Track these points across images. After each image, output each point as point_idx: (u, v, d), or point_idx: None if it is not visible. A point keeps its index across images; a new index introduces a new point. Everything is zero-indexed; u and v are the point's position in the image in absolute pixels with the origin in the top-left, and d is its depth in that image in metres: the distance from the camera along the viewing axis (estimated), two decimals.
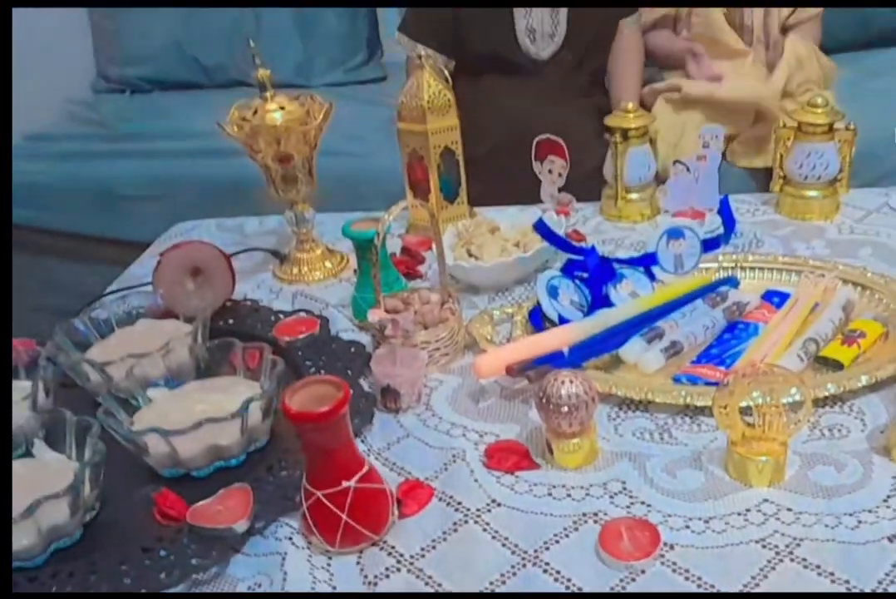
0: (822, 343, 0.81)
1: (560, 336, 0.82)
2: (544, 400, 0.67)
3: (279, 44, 2.15)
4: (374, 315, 0.80)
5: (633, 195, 1.15)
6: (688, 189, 1.12)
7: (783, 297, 0.90)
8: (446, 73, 1.12)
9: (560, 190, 1.16)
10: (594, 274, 0.89)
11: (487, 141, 1.49)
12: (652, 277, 0.95)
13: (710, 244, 1.01)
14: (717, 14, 1.58)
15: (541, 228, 0.99)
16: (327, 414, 0.57)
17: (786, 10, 1.60)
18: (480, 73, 1.61)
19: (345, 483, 0.60)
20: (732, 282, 0.94)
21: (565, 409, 0.66)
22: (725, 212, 1.11)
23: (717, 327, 0.86)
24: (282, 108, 0.98)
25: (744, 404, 0.65)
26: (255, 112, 0.97)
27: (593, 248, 0.94)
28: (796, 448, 0.69)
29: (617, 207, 1.15)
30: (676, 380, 0.79)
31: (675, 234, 0.94)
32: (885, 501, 0.63)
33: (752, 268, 0.96)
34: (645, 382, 0.79)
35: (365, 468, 0.61)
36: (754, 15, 1.58)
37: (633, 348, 0.82)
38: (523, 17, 1.55)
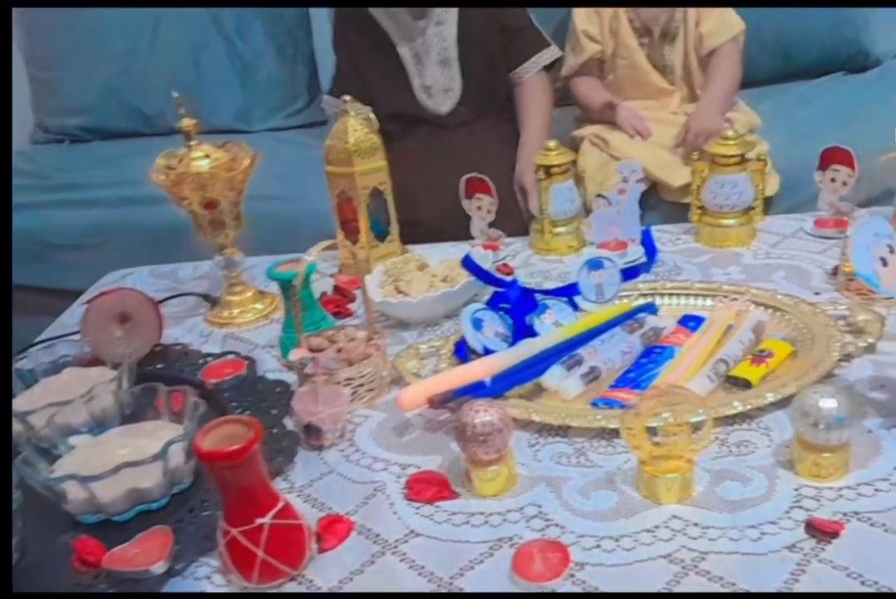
0: (733, 364, 0.85)
1: (482, 367, 0.86)
2: (460, 430, 0.70)
3: (219, 91, 2.20)
4: (295, 354, 0.83)
5: (560, 229, 1.20)
6: (611, 222, 1.17)
7: (699, 321, 0.95)
8: (372, 117, 1.18)
9: (490, 225, 1.22)
10: (516, 305, 0.93)
11: (419, 202, 1.53)
12: (575, 306, 0.99)
13: (630, 273, 1.06)
14: (640, 56, 1.66)
15: (467, 263, 1.03)
16: (237, 453, 0.59)
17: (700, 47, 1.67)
18: (400, 133, 1.68)
19: (259, 520, 0.62)
20: (651, 309, 0.99)
21: (481, 437, 0.69)
22: (647, 242, 1.16)
23: (634, 352, 0.90)
24: (207, 155, 1.02)
25: (650, 424, 0.69)
26: (181, 160, 1.01)
27: (515, 281, 0.98)
28: (705, 465, 0.72)
29: (545, 240, 1.20)
30: (594, 405, 0.83)
31: (595, 265, 0.99)
32: (787, 512, 0.66)
33: (670, 294, 1.01)
34: (564, 408, 0.82)
35: (280, 505, 0.63)
36: (675, 55, 1.67)
37: (553, 376, 0.85)
38: (417, 76, 1.64)
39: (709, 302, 0.99)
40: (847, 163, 1.13)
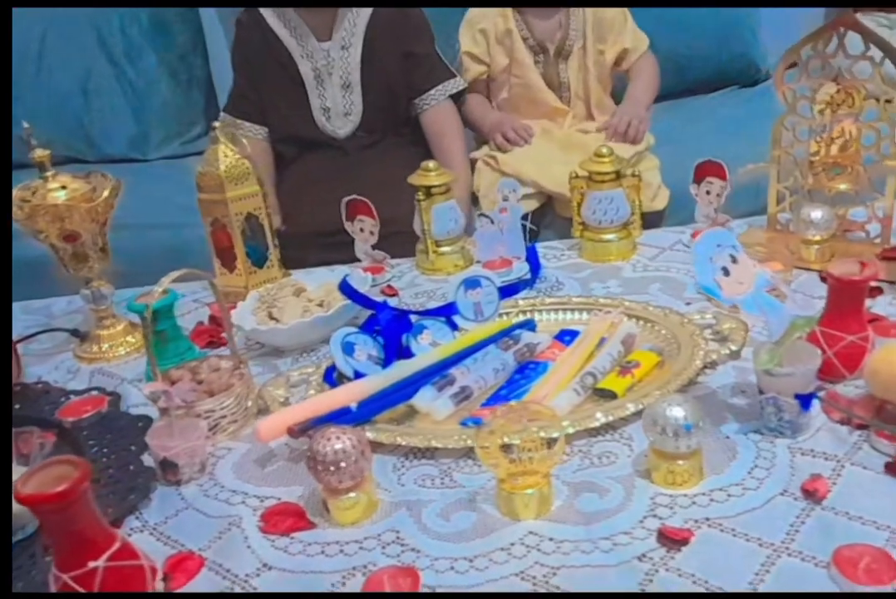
0: (600, 376, 0.87)
1: (348, 392, 0.86)
2: (311, 458, 0.70)
3: (111, 118, 2.18)
4: (147, 388, 0.82)
5: (445, 248, 1.21)
6: (495, 240, 1.19)
7: (574, 335, 0.97)
8: (245, 141, 1.18)
9: (374, 247, 1.23)
10: (386, 327, 0.94)
11: (308, 218, 1.57)
12: (454, 326, 1.00)
13: (510, 290, 1.08)
14: (535, 74, 1.71)
15: (343, 286, 1.04)
16: (61, 495, 0.58)
17: (604, 67, 1.74)
18: (297, 155, 1.71)
19: (92, 564, 0.60)
20: (530, 325, 1.01)
21: (333, 467, 0.69)
22: (532, 259, 1.19)
23: (507, 370, 0.91)
24: (63, 186, 1.00)
25: (504, 442, 0.70)
26: (34, 192, 0.99)
27: (385, 302, 0.99)
28: (566, 478, 0.74)
29: (430, 260, 1.21)
30: (464, 424, 0.84)
31: (471, 283, 1.01)
32: (640, 521, 0.68)
33: (548, 310, 1.04)
34: (432, 429, 0.83)
35: (116, 546, 0.62)
36: (570, 72, 1.72)
37: (423, 397, 0.86)
38: (317, 97, 1.66)
39: (585, 316, 1.02)
40: (720, 175, 1.17)
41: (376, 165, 1.69)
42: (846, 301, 0.82)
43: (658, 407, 0.70)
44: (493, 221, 1.18)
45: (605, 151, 1.16)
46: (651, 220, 1.48)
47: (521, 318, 1.02)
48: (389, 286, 1.16)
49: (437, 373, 0.89)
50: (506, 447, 0.70)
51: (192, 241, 1.77)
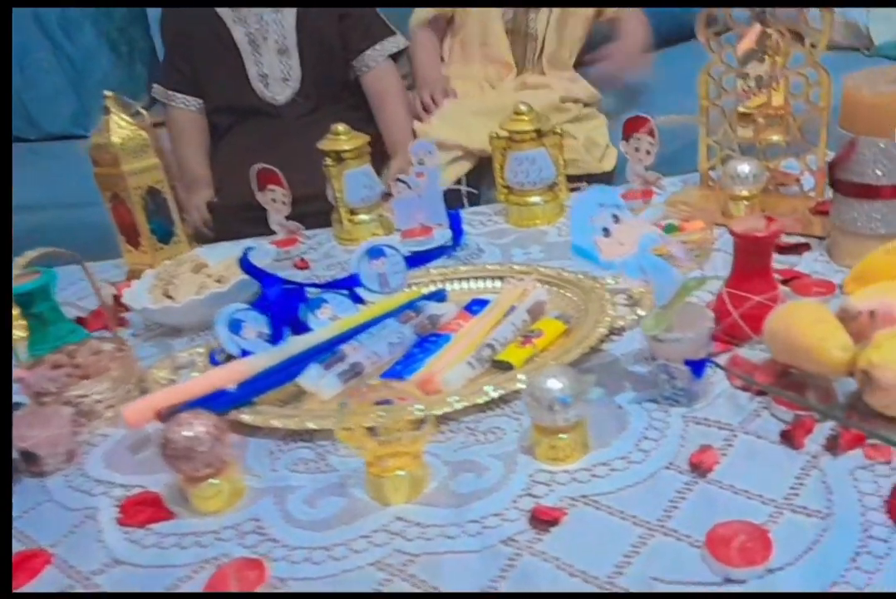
0: (500, 347, 0.83)
1: (229, 373, 0.81)
2: (164, 447, 0.66)
3: (51, 95, 2.12)
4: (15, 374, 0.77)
5: (362, 216, 1.16)
6: (413, 206, 1.14)
7: (484, 305, 0.93)
8: (144, 113, 1.12)
9: (287, 218, 1.18)
10: (274, 303, 0.89)
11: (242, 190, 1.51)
12: (358, 299, 0.96)
13: (424, 259, 1.04)
14: (498, 24, 1.65)
15: (242, 260, 0.99)
16: None
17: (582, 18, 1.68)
18: (232, 124, 1.65)
19: None
20: (440, 296, 0.96)
21: (185, 454, 0.65)
22: (455, 225, 1.14)
23: (405, 343, 0.87)
24: None
25: (368, 424, 0.65)
26: None
27: (273, 276, 0.94)
28: (447, 457, 0.70)
29: (345, 229, 1.16)
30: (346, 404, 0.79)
31: (374, 253, 0.96)
32: (514, 502, 0.63)
33: (461, 279, 0.99)
34: (318, 410, 0.79)
35: None
36: (539, 24, 1.65)
37: (310, 376, 0.81)
38: (254, 64, 1.60)
39: (499, 284, 0.97)
40: (648, 131, 1.12)
41: (314, 132, 1.63)
42: (751, 259, 0.77)
43: (536, 380, 0.66)
44: (410, 187, 1.13)
45: (523, 108, 1.10)
46: (600, 181, 1.43)
47: (433, 288, 0.98)
48: (302, 259, 1.12)
49: (329, 350, 0.85)
50: (372, 429, 0.65)
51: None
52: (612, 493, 0.63)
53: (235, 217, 1.48)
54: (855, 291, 0.73)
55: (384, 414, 0.64)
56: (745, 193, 1.03)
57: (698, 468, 0.64)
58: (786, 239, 0.97)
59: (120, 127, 1.07)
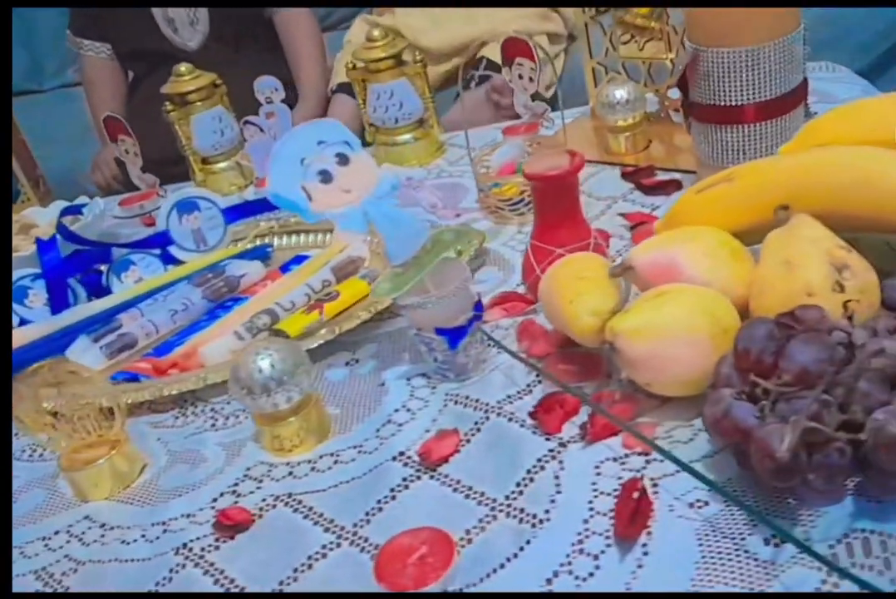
0: (284, 314, 0.73)
1: None
2: None
3: None
4: None
5: (220, 165, 1.07)
6: (269, 151, 1.03)
7: (302, 262, 0.83)
8: None
9: (143, 171, 1.09)
10: (48, 268, 0.81)
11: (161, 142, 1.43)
12: (170, 259, 0.87)
13: (246, 210, 0.93)
14: None
15: (60, 226, 0.91)
16: None
17: None
18: (147, 72, 1.55)
19: None
20: (261, 252, 0.86)
21: None
22: None
23: (192, 311, 0.77)
24: None
25: (49, 408, 0.57)
26: None
27: (51, 239, 0.85)
28: (174, 446, 0.61)
29: (197, 181, 1.07)
30: (114, 379, 0.71)
31: (185, 207, 0.86)
32: (214, 501, 0.54)
33: (290, 232, 0.89)
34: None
35: None
36: None
37: (76, 349, 0.73)
38: (160, 8, 1.49)
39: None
40: (526, 55, 0.98)
41: (231, 77, 1.54)
42: (552, 204, 0.64)
43: (240, 361, 0.56)
44: (262, 129, 1.02)
45: (377, 34, 0.97)
46: None
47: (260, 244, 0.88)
48: (150, 216, 1.03)
49: (109, 318, 0.77)
50: (57, 415, 0.57)
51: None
52: (322, 491, 0.53)
53: (152, 172, 1.40)
54: None
55: (66, 399, 0.56)
56: (621, 122, 0.89)
57: (427, 460, 0.54)
58: (660, 176, 0.83)
59: None
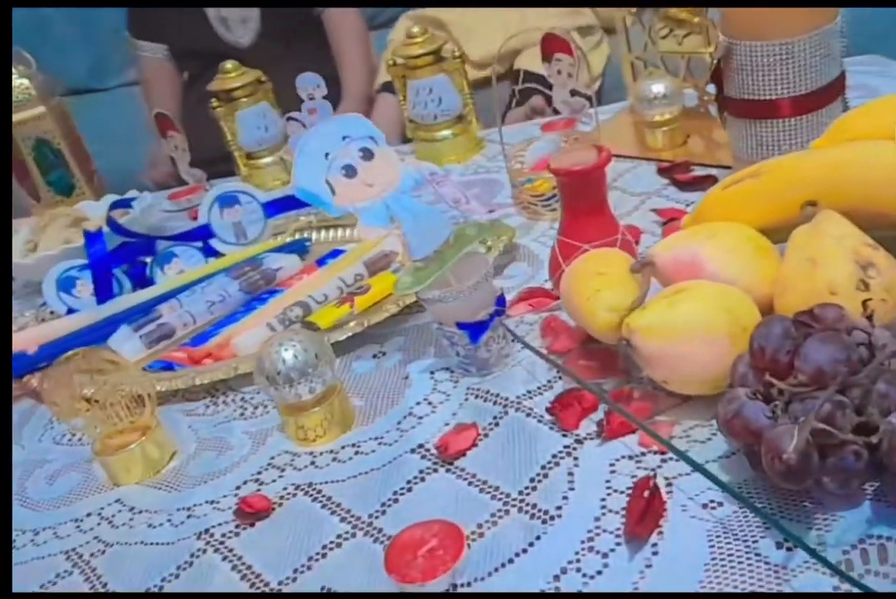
0: (317, 306, 0.74)
1: (37, 333, 0.77)
2: None
3: (66, 49, 2.12)
4: None
5: (265, 160, 1.08)
6: None
7: (338, 256, 0.83)
8: (31, 58, 1.07)
9: (192, 166, 1.11)
10: (94, 259, 0.83)
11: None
12: (211, 252, 0.88)
13: (285, 205, 0.93)
14: None
15: (108, 216, 0.93)
16: None
17: None
18: (201, 71, 1.58)
19: None
20: (299, 246, 0.87)
21: None
22: None
23: (229, 302, 0.78)
24: None
25: (86, 394, 0.59)
26: None
27: (98, 232, 0.87)
28: (205, 433, 0.62)
29: (241, 175, 1.08)
30: (150, 368, 0.73)
31: (226, 201, 0.88)
32: (237, 488, 0.55)
33: (328, 227, 0.90)
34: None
35: None
36: None
37: (118, 338, 0.75)
38: (213, 7, 1.51)
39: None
40: (565, 50, 0.97)
41: (284, 75, 1.56)
42: (580, 199, 0.63)
43: (264, 352, 0.57)
44: (304, 125, 1.03)
45: (416, 30, 0.97)
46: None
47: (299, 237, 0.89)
48: (196, 209, 1.05)
49: (149, 309, 0.79)
50: (91, 401, 0.59)
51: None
52: (341, 482, 0.54)
53: (205, 170, 1.43)
54: None
55: (101, 386, 0.57)
56: (658, 117, 0.87)
57: (444, 453, 0.54)
58: (696, 171, 0.82)
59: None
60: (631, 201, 0.80)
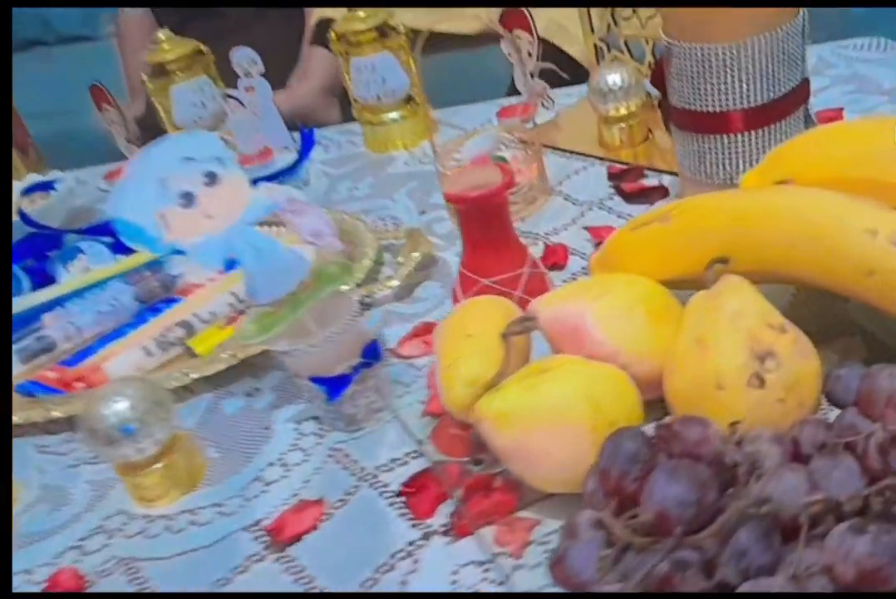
0: (202, 325, 0.66)
1: None
2: None
3: None
4: None
5: None
6: (251, 127, 0.94)
7: None
8: None
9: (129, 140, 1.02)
10: None
11: None
12: (122, 248, 0.80)
13: None
14: None
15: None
16: None
17: None
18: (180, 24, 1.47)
19: None
20: None
21: None
22: (304, 149, 0.94)
23: (121, 313, 0.71)
24: None
25: None
26: None
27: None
28: (49, 479, 0.56)
29: None
30: (18, 389, 0.66)
31: None
32: (60, 555, 0.49)
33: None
34: None
35: None
36: None
37: None
38: None
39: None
40: (524, 27, 0.85)
41: (259, 29, 1.46)
42: (477, 228, 0.54)
43: (89, 405, 0.49)
44: (243, 104, 0.94)
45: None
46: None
47: None
48: None
49: (34, 317, 0.72)
50: None
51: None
52: (165, 560, 0.47)
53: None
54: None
55: None
56: (613, 112, 0.76)
57: (277, 537, 0.46)
58: (648, 179, 0.71)
59: None
60: (569, 212, 0.69)
